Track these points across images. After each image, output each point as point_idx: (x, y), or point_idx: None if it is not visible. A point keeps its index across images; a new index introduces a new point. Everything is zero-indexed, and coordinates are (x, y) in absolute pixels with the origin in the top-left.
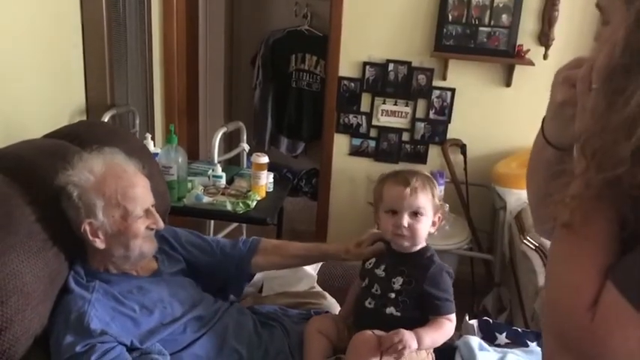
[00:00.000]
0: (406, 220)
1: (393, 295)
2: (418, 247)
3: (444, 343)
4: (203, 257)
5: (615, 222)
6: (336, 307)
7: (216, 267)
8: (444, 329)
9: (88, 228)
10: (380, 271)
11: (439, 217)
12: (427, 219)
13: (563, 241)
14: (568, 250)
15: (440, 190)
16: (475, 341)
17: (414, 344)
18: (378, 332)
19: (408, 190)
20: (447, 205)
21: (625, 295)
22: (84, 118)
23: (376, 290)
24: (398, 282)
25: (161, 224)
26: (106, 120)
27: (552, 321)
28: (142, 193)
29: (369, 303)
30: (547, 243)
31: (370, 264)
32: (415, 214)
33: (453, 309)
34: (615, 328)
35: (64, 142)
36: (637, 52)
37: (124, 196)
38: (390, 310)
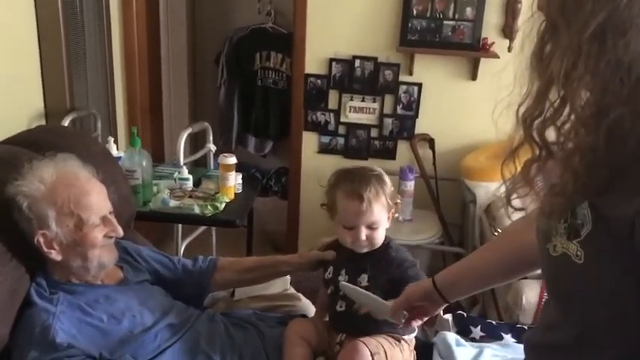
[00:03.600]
0: (364, 233)
1: None
2: None
3: (420, 340)
4: (165, 273)
5: None
6: (310, 309)
7: (177, 283)
8: None
9: (41, 239)
10: (342, 277)
11: (392, 212)
12: (383, 225)
13: None
14: None
15: (410, 185)
16: (452, 337)
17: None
18: (366, 339)
19: (363, 206)
20: (399, 197)
21: None
22: (43, 122)
23: (344, 294)
24: (364, 280)
25: (120, 231)
26: (66, 124)
27: None
28: (97, 200)
29: (340, 306)
30: None
31: (330, 273)
32: (371, 226)
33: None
34: None
35: (20, 148)
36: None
37: (77, 204)
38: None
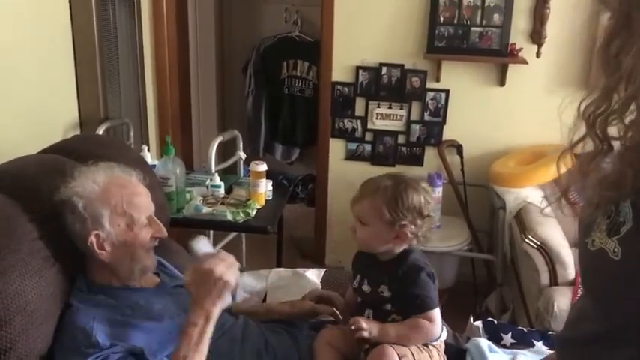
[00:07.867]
0: (355, 225)
1: (389, 306)
2: (397, 253)
3: (453, 346)
4: None
5: None
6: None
7: None
8: (417, 327)
9: (94, 240)
10: (366, 287)
11: (403, 233)
12: (370, 228)
13: None
14: None
15: (438, 191)
16: (485, 343)
17: (373, 328)
18: (395, 346)
19: (359, 194)
20: (418, 223)
21: None
22: (78, 132)
23: (370, 304)
24: (385, 290)
25: (165, 232)
26: (100, 133)
27: None
28: (145, 201)
29: (368, 315)
30: (549, 241)
31: (356, 282)
32: (360, 221)
33: (428, 306)
34: None
35: (61, 157)
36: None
37: (130, 204)
38: (392, 317)
